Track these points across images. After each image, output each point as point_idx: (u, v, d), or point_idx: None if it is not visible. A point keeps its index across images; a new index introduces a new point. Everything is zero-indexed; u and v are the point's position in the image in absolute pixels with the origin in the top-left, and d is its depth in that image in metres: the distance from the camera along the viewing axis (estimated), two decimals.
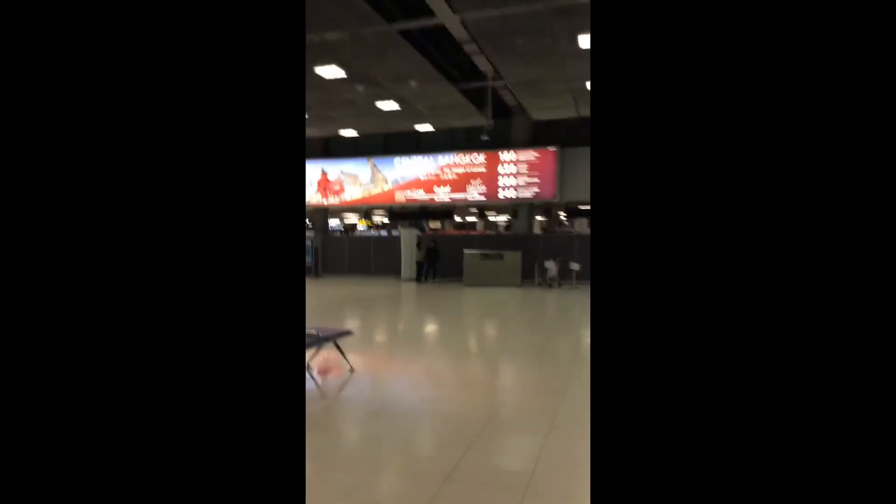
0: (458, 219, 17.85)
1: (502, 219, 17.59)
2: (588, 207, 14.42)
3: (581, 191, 12.78)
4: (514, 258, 11.80)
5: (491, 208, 15.97)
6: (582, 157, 12.76)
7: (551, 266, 11.63)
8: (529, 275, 11.92)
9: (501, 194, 13.22)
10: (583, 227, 15.28)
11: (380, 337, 6.56)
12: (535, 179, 12.91)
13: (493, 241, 12.96)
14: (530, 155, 13.01)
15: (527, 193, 12.98)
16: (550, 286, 11.56)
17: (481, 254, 11.99)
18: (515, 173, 13.13)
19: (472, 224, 18.75)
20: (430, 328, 7.20)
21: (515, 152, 13.14)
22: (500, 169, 13.25)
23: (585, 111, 12.07)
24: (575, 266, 11.63)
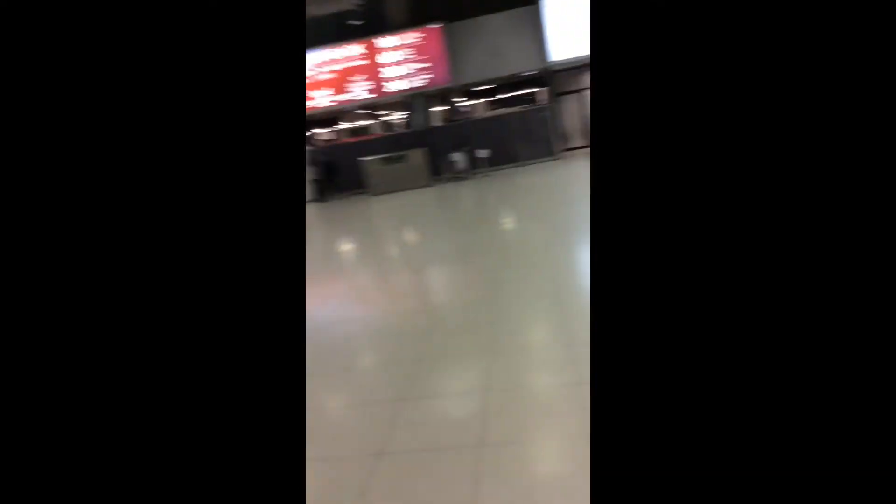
0: (348, 125, 16.16)
1: (399, 117, 16.18)
2: (486, 87, 13.46)
3: (475, 70, 11.67)
4: (417, 157, 10.82)
5: (382, 106, 14.47)
6: (471, 32, 11.48)
7: (459, 158, 10.83)
8: (438, 171, 11.08)
9: (390, 87, 11.79)
10: (483, 109, 14.39)
11: None
12: (425, 64, 11.55)
13: (393, 142, 11.76)
14: (413, 37, 11.48)
15: (418, 82, 11.66)
16: (461, 179, 10.85)
17: (382, 159, 10.87)
18: (401, 60, 11.63)
19: (366, 129, 17.18)
20: (347, 248, 6.31)
21: (395, 35, 11.53)
22: (382, 58, 11.67)
23: None
24: (482, 153, 10.92)
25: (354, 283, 4.87)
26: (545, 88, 13.59)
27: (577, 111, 12.82)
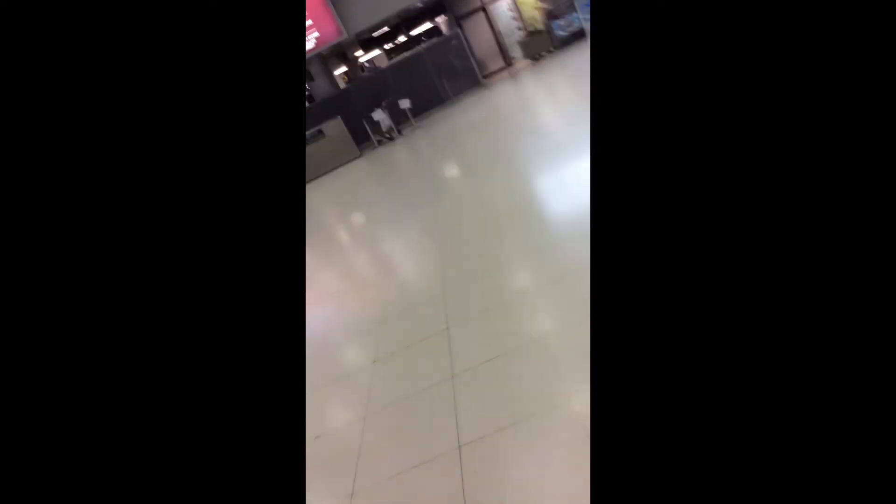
0: None
1: None
2: (383, 32, 12.02)
3: (367, 14, 10.23)
4: (336, 127, 9.52)
5: None
6: None
7: (381, 116, 9.61)
8: (363, 137, 9.86)
9: None
10: (387, 58, 12.97)
11: None
12: (308, 22, 10.00)
13: (304, 118, 10.34)
14: None
15: (308, 44, 10.14)
16: (391, 138, 9.69)
17: None
18: None
19: None
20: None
21: None
22: None
23: None
24: (405, 104, 9.72)
25: (315, 281, 3.89)
26: (444, 16, 12.34)
27: (486, 30, 11.66)
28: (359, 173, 8.31)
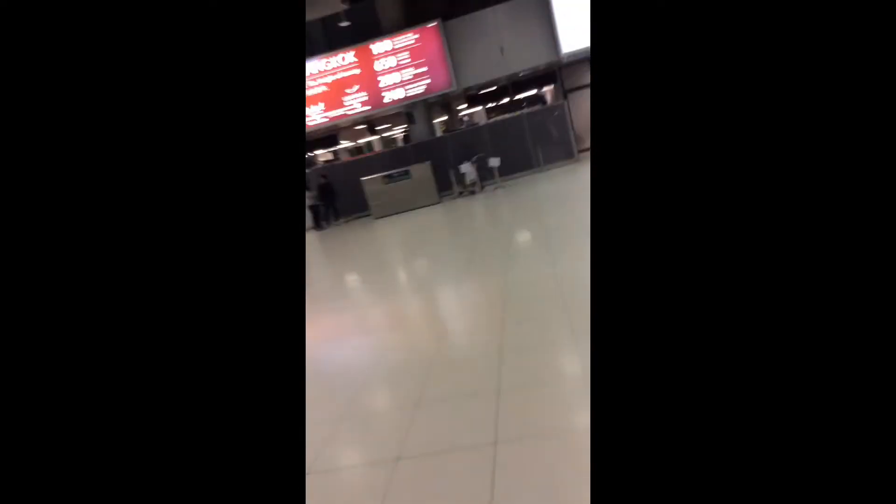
0: (346, 143, 15.14)
1: (399, 131, 15.13)
2: (489, 90, 12.36)
3: (478, 71, 10.58)
4: (423, 171, 9.71)
5: (381, 120, 13.45)
6: (470, 29, 10.40)
7: (468, 169, 9.69)
8: (446, 185, 9.96)
9: (388, 97, 10.72)
10: (487, 115, 13.27)
11: None
12: (423, 69, 10.48)
13: (395, 157, 10.66)
14: (409, 38, 10.42)
15: (417, 89, 10.58)
16: (473, 192, 9.70)
17: (383, 176, 9.76)
18: (397, 67, 10.58)
19: (367, 146, 16.15)
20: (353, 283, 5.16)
21: (390, 39, 10.49)
22: (378, 65, 10.62)
23: None
24: (494, 162, 9.77)
25: (357, 316, 3.75)
26: (553, 86, 12.50)
27: (588, 107, 11.65)
28: (434, 219, 8.32)
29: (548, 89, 12.87)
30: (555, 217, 6.10)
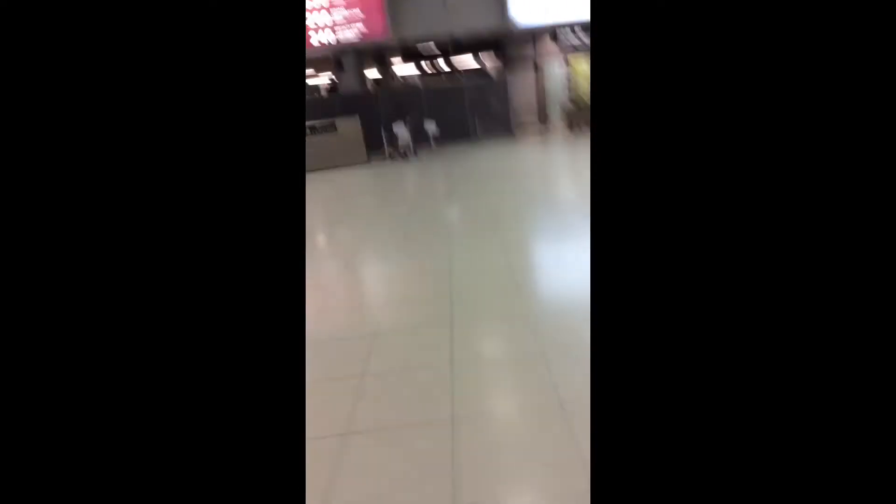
0: None
1: (323, 79, 13.66)
2: (427, 45, 11.43)
3: (419, 23, 9.61)
4: (351, 127, 8.69)
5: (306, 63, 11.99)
6: None
7: (402, 131, 8.84)
8: (376, 145, 9.04)
9: (314, 39, 9.42)
10: (416, 80, 12.34)
11: None
12: (356, 11, 9.29)
13: (321, 107, 9.47)
14: None
15: (348, 34, 9.39)
16: (405, 156, 8.89)
17: (307, 128, 8.61)
18: (328, 5, 9.29)
19: None
20: None
21: None
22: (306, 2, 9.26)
23: None
24: (431, 127, 9.00)
25: None
26: (496, 54, 11.86)
27: (531, 83, 11.19)
28: (361, 181, 7.44)
29: (488, 56, 12.22)
30: (502, 196, 5.54)
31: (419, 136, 9.07)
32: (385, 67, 12.58)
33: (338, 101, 9.50)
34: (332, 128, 8.60)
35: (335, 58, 9.97)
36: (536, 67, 11.03)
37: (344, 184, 7.40)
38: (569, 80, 11.16)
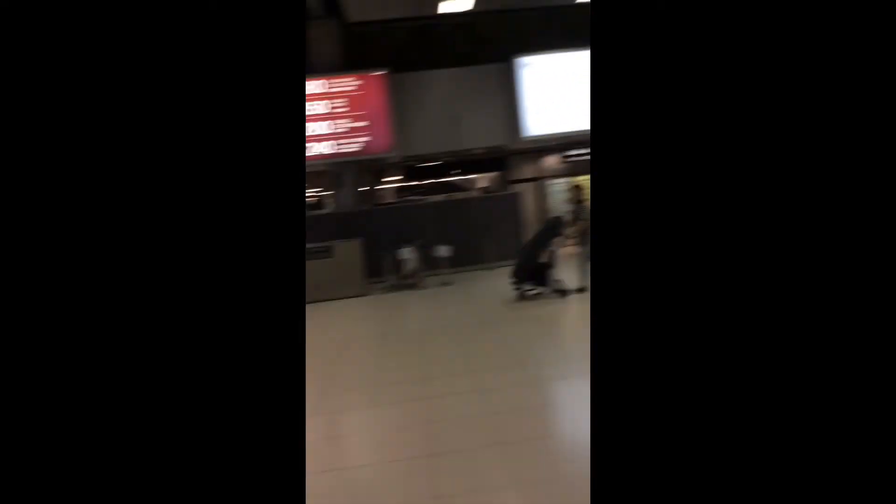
0: None
1: (313, 193, 12.63)
2: (437, 164, 10.59)
3: (424, 139, 8.74)
4: (349, 251, 7.29)
5: None
6: (423, 87, 8.68)
7: (410, 256, 7.47)
8: (375, 272, 7.59)
9: (315, 150, 8.37)
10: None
11: None
12: (362, 123, 8.38)
13: (313, 226, 8.14)
14: (349, 84, 8.36)
15: (351, 146, 8.39)
16: (413, 286, 7.42)
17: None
18: (330, 113, 8.37)
19: None
20: None
21: (326, 80, 8.34)
22: (307, 108, 8.36)
23: (430, 8, 7.98)
24: (444, 250, 7.68)
25: None
26: (497, 173, 11.10)
27: (532, 202, 10.22)
28: (357, 322, 5.84)
29: (489, 177, 11.48)
30: (546, 350, 3.93)
31: (428, 261, 7.71)
32: (381, 184, 11.63)
33: (332, 222, 8.21)
34: (327, 252, 7.17)
35: (333, 171, 8.89)
36: (534, 185, 10.19)
37: (342, 321, 5.77)
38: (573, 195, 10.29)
